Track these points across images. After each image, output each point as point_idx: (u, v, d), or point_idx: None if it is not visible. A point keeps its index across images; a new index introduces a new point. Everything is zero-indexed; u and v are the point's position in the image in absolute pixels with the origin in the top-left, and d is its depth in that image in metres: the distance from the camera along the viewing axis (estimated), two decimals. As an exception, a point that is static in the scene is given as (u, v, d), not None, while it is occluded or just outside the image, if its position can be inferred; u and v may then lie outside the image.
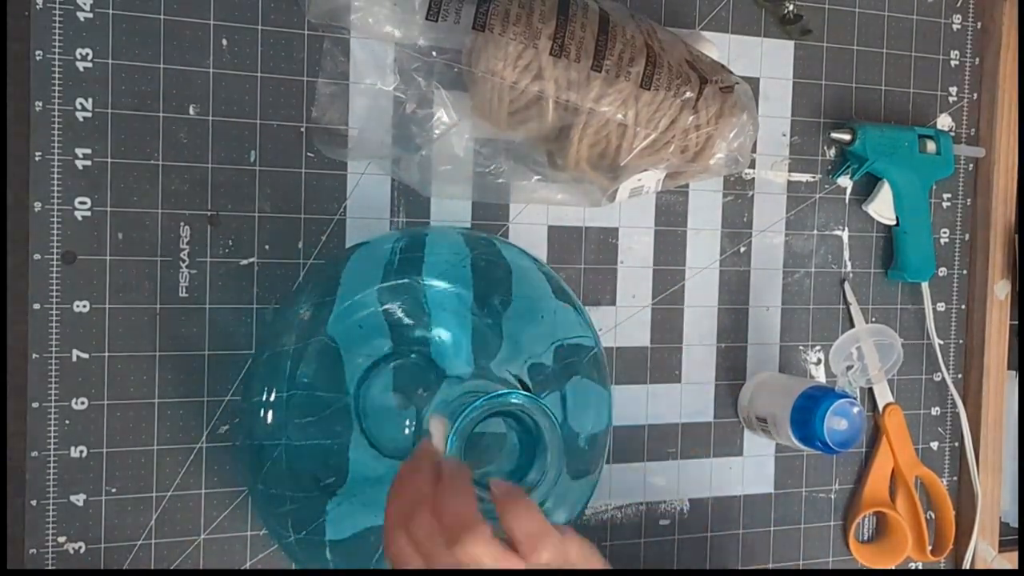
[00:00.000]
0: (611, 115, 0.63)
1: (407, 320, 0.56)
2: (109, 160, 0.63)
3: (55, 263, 0.62)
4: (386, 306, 0.56)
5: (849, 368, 0.75)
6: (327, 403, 0.55)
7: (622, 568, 0.76)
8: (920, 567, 0.86)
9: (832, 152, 0.82)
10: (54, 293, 0.62)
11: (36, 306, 0.62)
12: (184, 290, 0.65)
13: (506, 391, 0.50)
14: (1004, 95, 0.86)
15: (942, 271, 0.86)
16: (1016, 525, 0.88)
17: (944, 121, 0.85)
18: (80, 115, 0.62)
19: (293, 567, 0.67)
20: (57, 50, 0.62)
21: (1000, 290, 0.86)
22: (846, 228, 0.83)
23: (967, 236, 0.87)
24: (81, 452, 0.63)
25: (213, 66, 0.65)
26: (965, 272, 0.87)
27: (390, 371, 0.56)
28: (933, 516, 0.86)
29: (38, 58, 0.61)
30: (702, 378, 0.79)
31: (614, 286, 0.75)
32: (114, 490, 0.64)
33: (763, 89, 0.79)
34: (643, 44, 0.64)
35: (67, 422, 0.63)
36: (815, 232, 0.81)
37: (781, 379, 0.78)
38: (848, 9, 0.82)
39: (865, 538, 0.85)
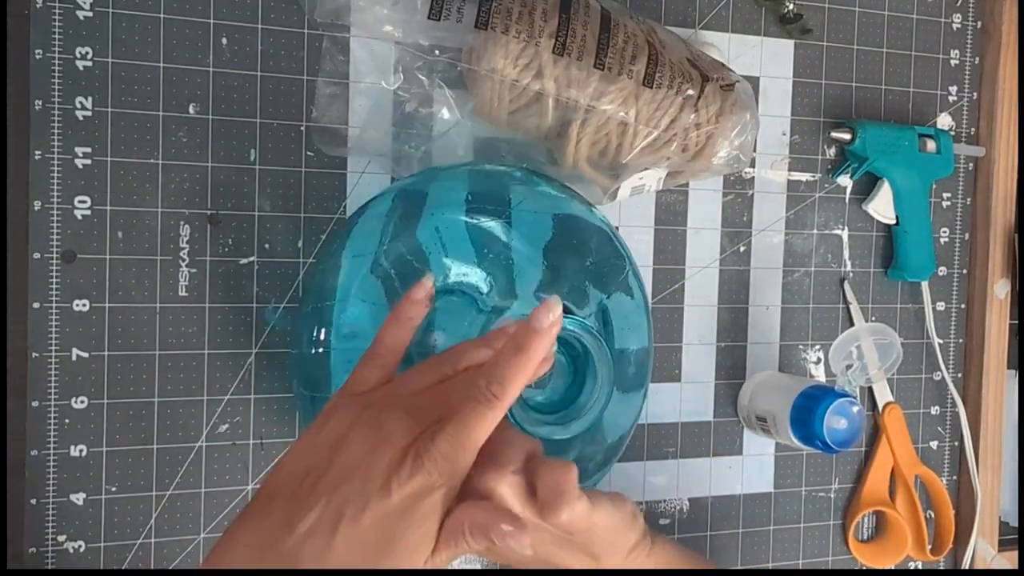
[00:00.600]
0: (612, 113, 0.63)
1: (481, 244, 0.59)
2: (109, 159, 0.63)
3: (55, 262, 0.62)
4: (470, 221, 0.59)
5: (849, 367, 0.74)
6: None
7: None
8: (920, 566, 0.86)
9: (832, 151, 0.82)
10: (54, 292, 0.62)
11: (36, 305, 0.62)
12: (184, 289, 0.65)
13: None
14: (1004, 95, 0.85)
15: (942, 270, 0.86)
16: (1016, 524, 0.88)
17: (944, 120, 0.85)
18: (80, 114, 0.62)
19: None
20: (57, 49, 0.62)
21: (1000, 289, 0.86)
22: (846, 227, 0.83)
23: (967, 235, 0.87)
24: (81, 451, 0.63)
25: (213, 65, 0.65)
26: (965, 271, 0.87)
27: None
28: (933, 515, 0.86)
29: (38, 57, 0.61)
30: (702, 377, 0.78)
31: (614, 285, 0.75)
32: (114, 489, 0.64)
33: (763, 88, 0.79)
34: (644, 42, 0.64)
35: (67, 421, 0.63)
36: (815, 231, 0.81)
37: (781, 378, 0.78)
38: (848, 8, 0.82)
39: (865, 537, 0.85)
